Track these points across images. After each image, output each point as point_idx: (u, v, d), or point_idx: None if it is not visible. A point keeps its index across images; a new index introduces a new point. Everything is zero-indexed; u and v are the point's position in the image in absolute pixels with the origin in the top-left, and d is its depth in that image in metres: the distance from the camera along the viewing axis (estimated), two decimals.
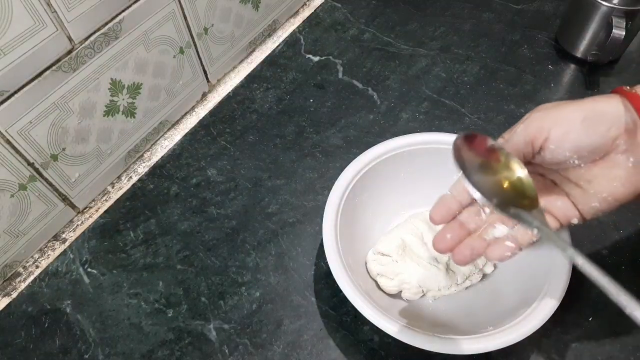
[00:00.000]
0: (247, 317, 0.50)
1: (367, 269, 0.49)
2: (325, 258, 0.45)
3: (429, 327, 0.44)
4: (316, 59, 0.72)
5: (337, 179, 0.49)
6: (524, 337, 0.40)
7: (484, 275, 0.49)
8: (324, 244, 0.45)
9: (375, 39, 0.74)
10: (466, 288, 0.49)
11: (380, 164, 0.51)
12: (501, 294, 0.46)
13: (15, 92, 0.46)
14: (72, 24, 0.48)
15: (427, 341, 0.40)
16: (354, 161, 0.50)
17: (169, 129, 0.67)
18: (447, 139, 0.51)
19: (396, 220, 0.53)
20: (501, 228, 0.37)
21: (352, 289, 0.42)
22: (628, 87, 0.35)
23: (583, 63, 0.68)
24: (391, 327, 0.40)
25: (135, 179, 0.62)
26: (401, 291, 0.48)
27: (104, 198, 0.61)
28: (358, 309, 0.42)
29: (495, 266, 0.49)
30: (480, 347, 0.40)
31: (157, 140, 0.66)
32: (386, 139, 0.52)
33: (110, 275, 0.54)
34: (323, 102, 0.67)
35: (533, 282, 0.44)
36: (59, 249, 0.57)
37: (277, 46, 0.75)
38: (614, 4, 0.61)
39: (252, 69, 0.72)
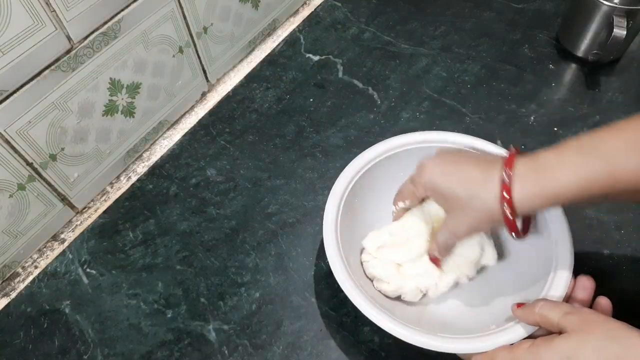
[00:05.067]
0: (246, 318, 0.50)
1: (363, 271, 0.49)
2: (325, 258, 0.44)
3: (431, 326, 0.44)
4: (316, 58, 0.72)
5: (337, 178, 0.49)
6: (525, 335, 0.39)
7: (485, 270, 0.49)
8: (325, 244, 0.45)
9: (375, 38, 0.74)
10: (469, 280, 0.48)
11: (380, 162, 0.50)
12: (504, 293, 0.46)
13: (14, 92, 0.46)
14: (71, 23, 0.48)
15: (430, 340, 0.40)
16: (354, 160, 0.50)
17: (168, 129, 0.67)
18: (447, 138, 0.51)
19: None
20: None
21: (354, 290, 0.42)
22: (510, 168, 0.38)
23: (584, 62, 0.68)
24: (393, 327, 0.40)
25: (134, 179, 0.62)
26: (400, 295, 0.47)
27: (103, 198, 0.61)
28: (360, 310, 0.41)
29: (496, 259, 0.49)
30: (482, 346, 0.39)
31: (156, 140, 0.66)
32: (386, 139, 0.51)
33: (109, 276, 0.53)
34: (323, 102, 0.67)
35: (536, 281, 0.43)
36: (58, 249, 0.57)
37: (277, 45, 0.74)
38: (615, 4, 0.60)
39: (251, 68, 0.72)
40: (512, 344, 0.39)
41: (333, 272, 0.43)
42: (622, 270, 0.50)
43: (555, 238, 0.44)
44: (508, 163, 0.38)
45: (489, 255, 0.48)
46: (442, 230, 0.43)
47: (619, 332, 0.34)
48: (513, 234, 0.40)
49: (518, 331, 0.40)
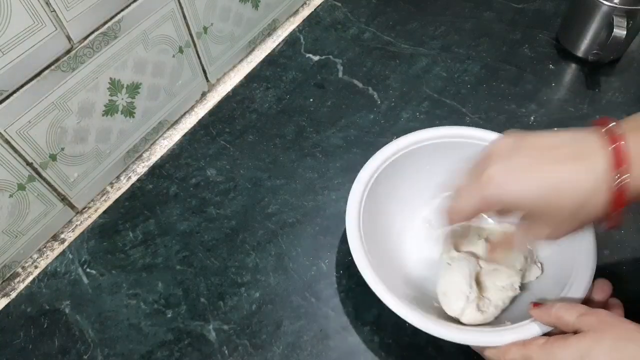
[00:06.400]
0: (246, 318, 0.50)
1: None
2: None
3: (445, 317, 0.44)
4: (316, 58, 0.72)
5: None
6: (540, 334, 0.39)
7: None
8: (347, 234, 0.44)
9: (375, 38, 0.74)
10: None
11: (404, 155, 0.50)
12: (523, 290, 0.46)
13: (14, 92, 0.46)
14: (71, 23, 0.48)
15: (444, 329, 0.40)
16: (378, 152, 0.50)
17: (168, 129, 0.67)
18: (473, 134, 0.50)
19: (420, 211, 0.53)
20: None
21: (375, 279, 0.42)
22: (614, 125, 0.35)
23: (584, 62, 0.68)
24: (413, 317, 0.40)
25: (134, 179, 0.62)
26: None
27: (103, 198, 0.61)
28: (382, 300, 0.41)
29: (542, 270, 0.47)
30: (496, 340, 0.39)
31: (156, 140, 0.66)
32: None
33: (109, 276, 0.53)
34: (323, 102, 0.67)
35: (556, 282, 0.43)
36: (58, 249, 0.57)
37: (277, 45, 0.74)
38: (615, 4, 0.60)
39: (251, 68, 0.72)
40: (526, 340, 0.39)
41: (354, 258, 0.43)
42: (622, 270, 0.50)
43: (579, 240, 0.44)
44: (612, 140, 0.34)
45: (535, 268, 0.47)
46: (529, 239, 0.41)
47: (635, 333, 0.34)
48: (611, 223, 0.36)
49: (533, 329, 0.39)
